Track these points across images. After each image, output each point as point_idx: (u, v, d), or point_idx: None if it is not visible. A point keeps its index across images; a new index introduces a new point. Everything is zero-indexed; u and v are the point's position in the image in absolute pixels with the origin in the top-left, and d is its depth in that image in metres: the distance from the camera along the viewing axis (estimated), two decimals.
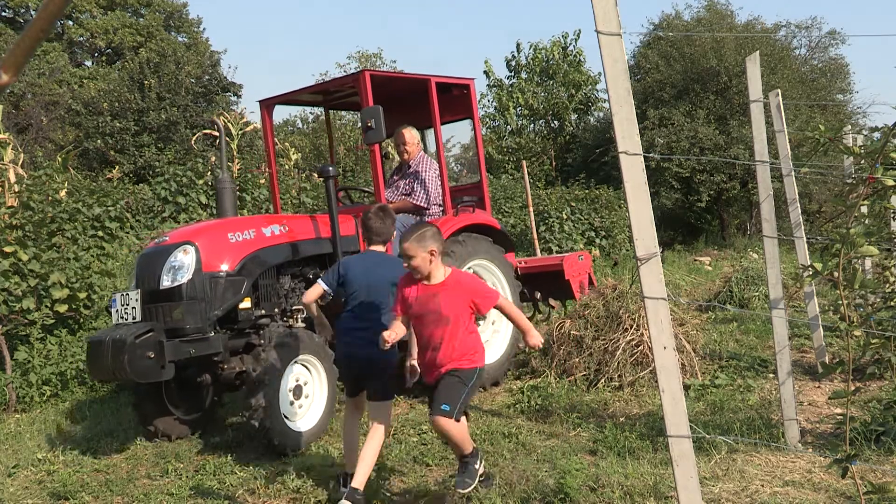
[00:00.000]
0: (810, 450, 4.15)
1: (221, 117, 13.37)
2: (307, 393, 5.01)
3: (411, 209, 6.30)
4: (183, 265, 4.92)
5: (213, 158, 11.78)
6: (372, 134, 5.34)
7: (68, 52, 28.64)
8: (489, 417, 5.40)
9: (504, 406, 5.74)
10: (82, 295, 6.99)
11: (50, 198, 8.43)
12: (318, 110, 30.23)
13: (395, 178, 6.63)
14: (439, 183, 6.36)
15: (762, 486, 3.67)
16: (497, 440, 4.76)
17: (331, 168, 5.43)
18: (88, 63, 29.98)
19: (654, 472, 3.84)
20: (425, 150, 6.98)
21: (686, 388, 5.44)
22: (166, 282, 4.91)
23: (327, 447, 4.84)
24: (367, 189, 7.08)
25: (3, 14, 27.95)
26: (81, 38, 29.27)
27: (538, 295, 7.46)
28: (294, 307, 5.45)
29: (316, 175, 16.39)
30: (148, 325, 4.76)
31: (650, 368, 5.72)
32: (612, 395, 5.71)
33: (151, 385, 5.14)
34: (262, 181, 11.60)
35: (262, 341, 4.97)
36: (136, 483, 4.46)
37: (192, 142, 16.51)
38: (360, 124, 5.25)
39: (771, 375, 5.91)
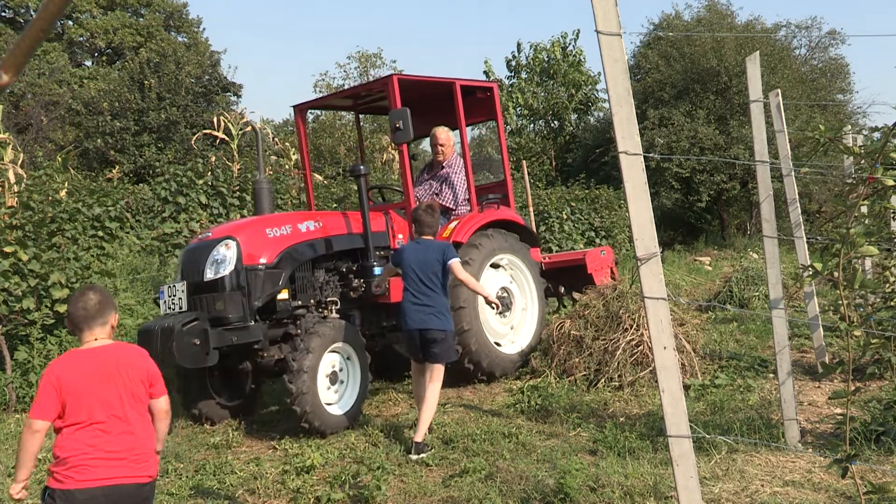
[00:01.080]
0: (810, 450, 4.15)
1: (222, 117, 13.36)
2: (342, 379, 5.36)
3: (440, 209, 6.42)
4: (225, 259, 5.25)
5: (213, 158, 11.77)
6: (400, 134, 5.66)
7: (68, 52, 28.63)
8: (489, 417, 5.40)
9: (504, 406, 5.74)
10: None
11: (50, 198, 8.42)
12: (318, 111, 30.28)
13: (426, 176, 6.97)
14: (466, 185, 6.68)
15: (762, 486, 3.67)
16: (497, 440, 4.76)
17: (362, 167, 5.79)
18: (88, 63, 29.97)
19: (654, 472, 3.84)
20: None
21: (686, 388, 5.44)
22: (210, 274, 5.23)
23: (326, 447, 4.84)
24: (396, 187, 7.34)
25: (3, 14, 27.95)
26: (81, 38, 29.26)
27: (562, 289, 7.76)
28: (328, 298, 5.74)
29: (315, 175, 16.39)
30: (193, 314, 5.08)
31: (650, 368, 5.72)
32: (612, 395, 5.71)
33: (196, 371, 5.46)
34: None
35: (299, 331, 5.24)
36: None
37: (193, 142, 16.50)
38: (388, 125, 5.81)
39: (771, 375, 5.91)
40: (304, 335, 5.12)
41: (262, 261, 5.31)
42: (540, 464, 4.24)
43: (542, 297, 6.88)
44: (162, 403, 2.90)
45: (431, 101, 6.93)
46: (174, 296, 5.33)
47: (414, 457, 4.55)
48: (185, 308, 5.23)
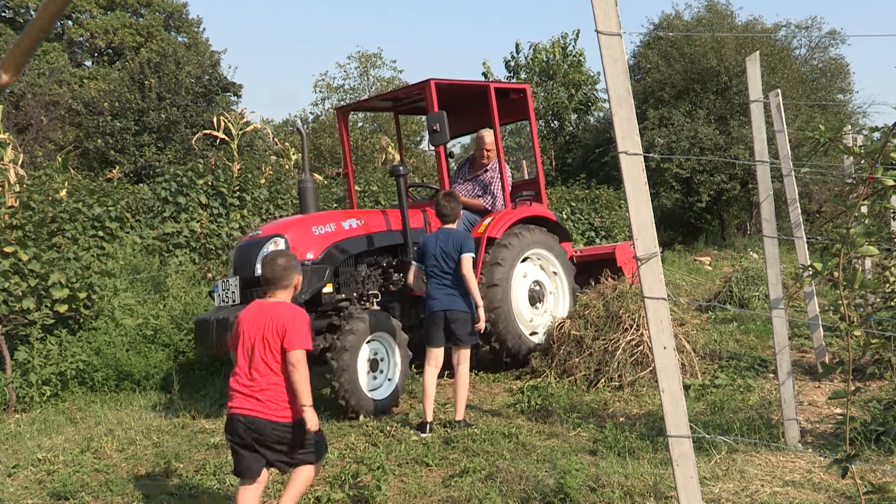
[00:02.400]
0: (810, 450, 4.15)
1: (222, 117, 13.34)
2: (382, 368, 5.72)
3: (479, 209, 7.00)
4: None
5: (214, 160, 11.76)
6: (437, 136, 5.98)
7: (68, 52, 28.62)
8: (489, 417, 5.41)
9: (504, 406, 5.74)
10: (82, 295, 6.99)
11: (50, 198, 8.42)
12: (319, 111, 30.33)
13: (467, 175, 7.28)
14: (500, 182, 7.02)
15: (762, 486, 3.67)
16: (497, 440, 4.76)
17: (401, 168, 6.15)
18: (88, 63, 29.96)
19: (654, 472, 3.84)
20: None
21: (686, 388, 5.44)
22: (260, 270, 5.32)
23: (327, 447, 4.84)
24: (434, 186, 7.61)
25: (3, 14, 27.94)
26: (81, 38, 29.25)
27: (592, 282, 7.93)
28: (370, 292, 6.11)
29: (315, 175, 16.38)
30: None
31: (650, 368, 5.72)
32: (612, 395, 5.71)
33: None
34: (262, 181, 11.59)
35: (343, 322, 5.58)
36: (136, 483, 4.46)
37: (193, 142, 16.50)
38: (426, 127, 6.07)
39: (771, 375, 5.91)
40: (349, 319, 5.53)
41: (309, 256, 5.68)
42: (540, 464, 4.24)
43: (573, 290, 7.14)
44: (291, 356, 3.28)
45: (466, 102, 7.27)
46: (227, 289, 5.76)
47: (425, 434, 4.95)
48: (238, 301, 5.65)
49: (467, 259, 5.11)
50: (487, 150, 7.04)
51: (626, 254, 7.73)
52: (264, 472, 3.40)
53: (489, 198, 7.07)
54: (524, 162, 11.95)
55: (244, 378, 3.31)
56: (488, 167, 7.09)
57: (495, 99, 6.83)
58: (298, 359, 3.28)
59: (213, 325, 5.44)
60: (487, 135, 7.03)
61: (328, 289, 5.74)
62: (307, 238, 5.77)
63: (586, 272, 7.64)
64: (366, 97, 7.38)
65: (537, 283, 6.95)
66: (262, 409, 3.28)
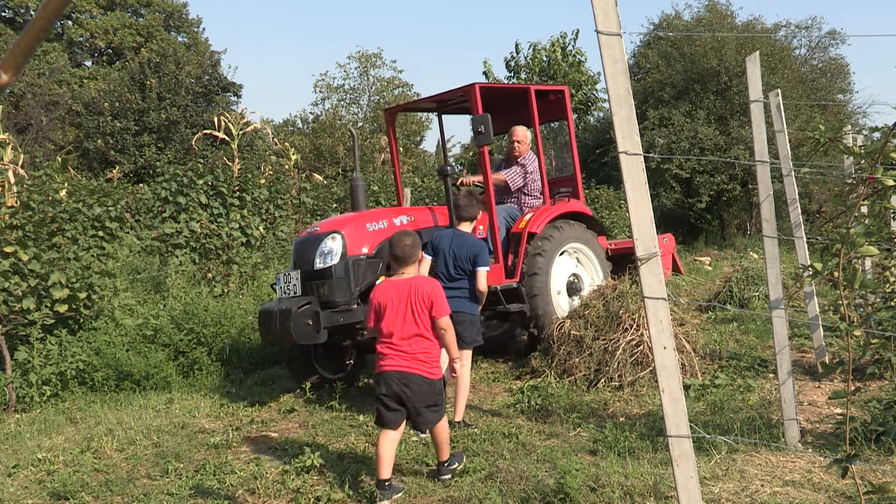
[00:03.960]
0: (810, 450, 4.15)
1: (222, 117, 13.35)
2: None
3: (502, 184, 7.25)
4: (332, 250, 5.97)
5: (214, 159, 11.77)
6: (482, 137, 6.26)
7: (68, 52, 28.62)
8: (489, 417, 5.40)
9: (504, 406, 5.74)
10: (82, 295, 6.99)
11: (50, 198, 8.42)
12: (319, 111, 30.35)
13: (503, 169, 7.51)
14: (537, 177, 7.30)
15: (762, 486, 3.67)
16: (497, 440, 4.76)
17: (448, 168, 6.48)
18: (88, 63, 29.97)
19: (654, 472, 3.84)
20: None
21: (686, 388, 5.44)
22: (319, 264, 5.95)
23: (327, 446, 4.84)
24: (479, 184, 7.81)
25: (3, 14, 27.94)
26: (81, 38, 29.26)
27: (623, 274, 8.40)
28: None
29: (315, 175, 16.39)
30: (307, 298, 5.78)
31: (650, 368, 5.72)
32: (612, 395, 5.70)
33: (301, 349, 6.28)
34: (262, 181, 11.60)
35: None
36: (136, 483, 4.46)
37: (193, 142, 16.51)
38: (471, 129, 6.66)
39: (771, 375, 5.91)
40: None
41: (364, 251, 6.03)
42: (540, 464, 4.23)
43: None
44: (441, 323, 3.94)
45: (507, 104, 7.64)
46: (289, 282, 6.08)
47: (426, 435, 4.82)
48: (299, 293, 5.96)
49: (483, 274, 5.25)
50: (518, 143, 7.31)
51: (661, 247, 7.85)
52: (403, 424, 4.01)
53: (517, 177, 7.29)
54: None
55: (397, 342, 3.93)
56: (519, 159, 7.33)
57: (535, 100, 7.22)
58: (447, 322, 3.98)
59: (276, 315, 5.71)
60: (519, 129, 7.32)
61: (380, 281, 5.92)
62: (362, 234, 6.10)
63: (620, 264, 7.95)
64: (415, 98, 8.26)
65: (575, 276, 7.28)
66: (413, 366, 3.92)
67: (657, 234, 9.09)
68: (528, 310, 6.68)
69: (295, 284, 6.04)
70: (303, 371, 6.39)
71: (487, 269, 5.30)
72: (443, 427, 4.07)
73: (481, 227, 6.81)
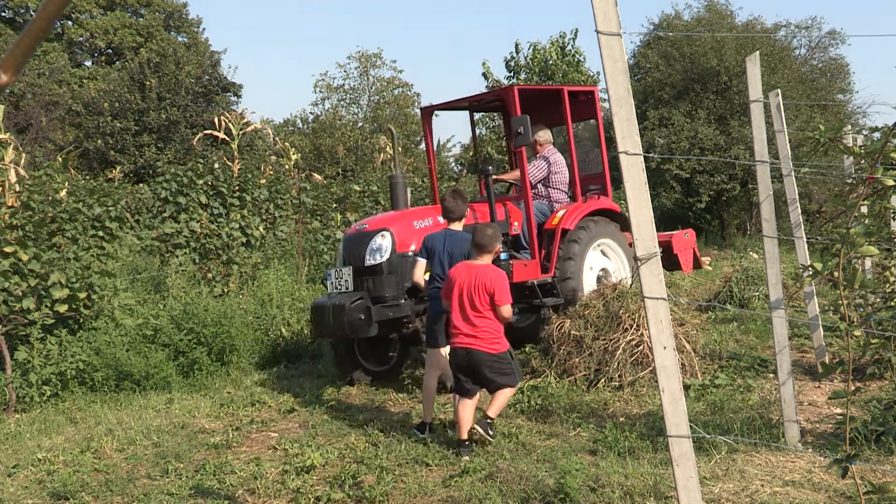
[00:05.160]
0: (810, 450, 4.15)
1: (222, 117, 13.34)
2: None
3: (514, 180, 7.72)
4: (382, 247, 6.20)
5: (215, 160, 11.76)
6: (521, 138, 6.52)
7: (68, 52, 28.62)
8: None
9: (504, 406, 5.73)
10: (82, 295, 6.98)
11: (50, 198, 8.41)
12: (319, 111, 30.35)
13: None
14: (559, 171, 7.56)
15: (762, 486, 3.67)
16: (497, 440, 4.76)
17: (490, 167, 6.79)
18: (88, 63, 29.97)
19: (654, 472, 3.84)
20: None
21: (686, 388, 5.44)
22: (370, 260, 6.19)
23: (326, 447, 4.84)
24: (515, 182, 8.12)
25: (3, 14, 27.94)
26: (81, 38, 29.25)
27: None
28: None
29: (315, 175, 16.39)
30: (359, 293, 6.02)
31: (650, 368, 5.71)
32: (612, 395, 5.70)
33: (348, 343, 6.50)
34: (262, 181, 11.60)
35: None
36: (136, 483, 4.46)
37: (194, 142, 16.51)
38: (510, 130, 6.97)
39: (771, 375, 5.91)
40: None
41: (412, 248, 6.21)
42: (540, 464, 4.23)
43: (636, 276, 7.78)
44: (502, 310, 4.45)
45: (541, 104, 7.96)
46: (340, 278, 6.34)
47: (424, 434, 4.97)
48: (351, 288, 6.20)
49: None
50: (538, 144, 7.62)
51: (682, 242, 8.64)
52: (478, 393, 4.54)
53: (535, 171, 7.52)
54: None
55: (463, 321, 4.44)
56: (538, 156, 7.69)
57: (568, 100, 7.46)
58: (508, 311, 4.49)
59: (328, 309, 5.92)
60: (541, 132, 7.63)
61: (427, 277, 6.19)
62: (410, 231, 6.34)
63: None
64: (454, 98, 8.69)
65: (604, 269, 7.58)
66: (478, 344, 4.41)
67: (676, 230, 9.48)
68: (564, 304, 6.92)
69: (346, 280, 6.26)
70: (348, 364, 6.60)
71: None
72: (507, 393, 4.61)
73: (516, 224, 7.22)
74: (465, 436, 4.47)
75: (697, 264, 8.90)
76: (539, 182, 7.56)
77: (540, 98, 7.98)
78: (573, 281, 7.05)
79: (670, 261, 8.38)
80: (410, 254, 6.21)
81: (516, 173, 7.63)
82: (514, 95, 6.92)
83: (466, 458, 4.34)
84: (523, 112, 6.93)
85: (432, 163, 8.32)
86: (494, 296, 4.39)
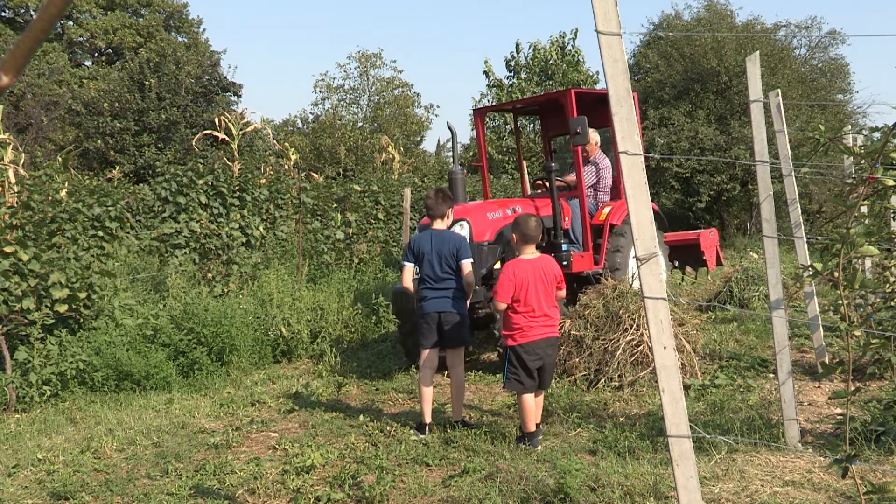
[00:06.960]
0: (810, 450, 4.15)
1: (222, 118, 13.33)
2: None
3: (573, 183, 7.95)
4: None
5: (215, 160, 11.75)
6: (578, 138, 6.73)
7: (68, 52, 28.62)
8: (489, 417, 5.40)
9: (504, 406, 5.74)
10: (82, 295, 6.98)
11: (50, 198, 8.41)
12: (319, 111, 30.35)
13: (569, 170, 8.26)
14: (607, 175, 8.08)
15: (762, 486, 3.67)
16: (497, 440, 4.76)
17: (553, 164, 7.21)
18: (88, 63, 29.96)
19: (654, 472, 3.84)
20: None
21: (686, 388, 5.44)
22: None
23: (326, 447, 4.84)
24: (564, 180, 8.35)
25: (3, 14, 27.94)
26: (81, 39, 29.26)
27: (675, 263, 9.41)
28: None
29: (314, 175, 16.38)
30: None
31: (650, 368, 5.72)
32: (612, 395, 5.70)
33: (412, 327, 6.54)
34: (262, 181, 11.59)
35: None
36: (136, 483, 4.46)
37: (193, 142, 16.51)
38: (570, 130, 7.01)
39: (771, 375, 5.91)
40: None
41: (487, 238, 6.55)
42: (540, 464, 4.23)
43: (668, 270, 8.45)
44: (561, 294, 4.81)
45: (589, 106, 8.14)
46: None
47: (424, 435, 5.02)
48: None
49: (468, 265, 5.20)
50: (588, 146, 8.00)
51: (708, 240, 9.13)
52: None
53: (590, 176, 8.02)
54: (524, 162, 11.93)
55: (541, 314, 4.65)
56: (590, 158, 8.14)
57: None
58: (563, 293, 4.86)
59: (411, 295, 5.97)
60: (592, 135, 7.99)
61: (498, 265, 6.54)
62: (484, 222, 6.64)
63: (672, 254, 8.96)
64: (508, 101, 9.31)
65: None
66: (554, 331, 4.75)
67: (698, 229, 9.83)
68: None
69: None
70: (414, 348, 6.69)
71: (471, 260, 5.25)
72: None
73: (567, 219, 7.56)
74: (532, 427, 4.67)
75: (719, 261, 9.41)
76: (589, 187, 7.96)
77: (591, 100, 8.28)
78: (621, 272, 7.48)
79: (697, 258, 8.84)
80: (486, 243, 6.55)
81: (572, 177, 7.98)
82: (571, 97, 7.25)
83: (539, 447, 4.55)
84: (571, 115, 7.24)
85: (484, 161, 8.77)
86: (559, 281, 4.73)
